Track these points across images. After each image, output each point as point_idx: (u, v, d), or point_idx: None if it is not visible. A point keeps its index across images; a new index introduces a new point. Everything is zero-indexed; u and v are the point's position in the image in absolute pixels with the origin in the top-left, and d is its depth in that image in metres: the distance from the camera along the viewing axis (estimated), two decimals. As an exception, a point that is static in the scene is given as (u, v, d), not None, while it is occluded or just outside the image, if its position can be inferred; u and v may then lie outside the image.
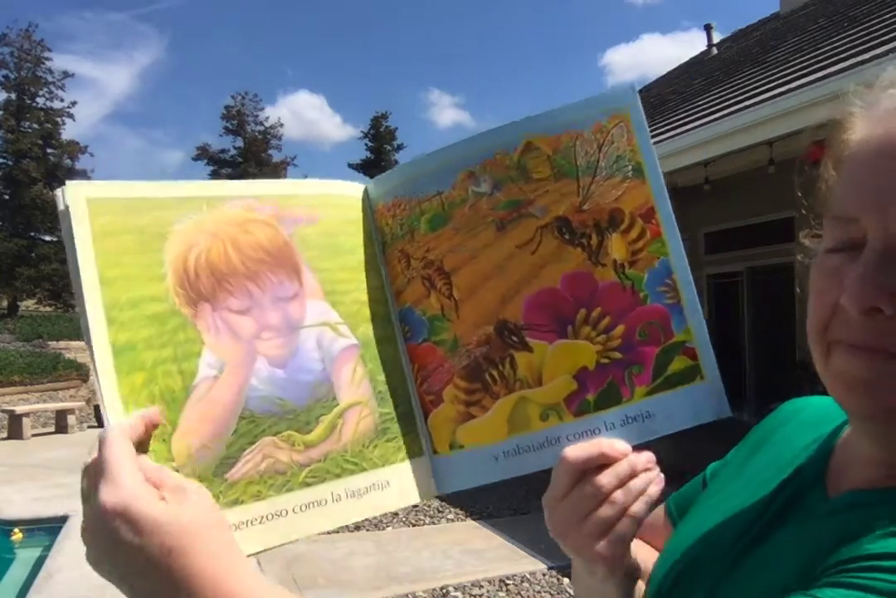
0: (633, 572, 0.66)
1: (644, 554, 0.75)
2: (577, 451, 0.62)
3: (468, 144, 0.60)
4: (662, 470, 0.64)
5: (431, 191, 0.60)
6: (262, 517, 0.59)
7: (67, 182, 0.56)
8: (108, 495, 0.52)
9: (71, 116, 23.11)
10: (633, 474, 0.62)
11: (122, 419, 0.56)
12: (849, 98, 0.57)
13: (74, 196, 0.54)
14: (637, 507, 0.62)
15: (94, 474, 0.54)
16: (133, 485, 0.52)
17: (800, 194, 0.62)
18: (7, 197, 21.68)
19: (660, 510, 0.83)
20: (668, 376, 0.59)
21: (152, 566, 0.51)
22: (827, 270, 0.55)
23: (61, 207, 0.53)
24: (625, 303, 0.58)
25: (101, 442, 0.54)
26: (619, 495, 0.61)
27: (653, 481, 0.63)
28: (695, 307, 0.58)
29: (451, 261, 0.60)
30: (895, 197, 0.50)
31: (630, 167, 0.56)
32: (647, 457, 0.63)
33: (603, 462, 0.62)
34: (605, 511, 0.61)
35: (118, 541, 0.51)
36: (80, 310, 0.56)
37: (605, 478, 0.61)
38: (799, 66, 6.21)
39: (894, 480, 0.55)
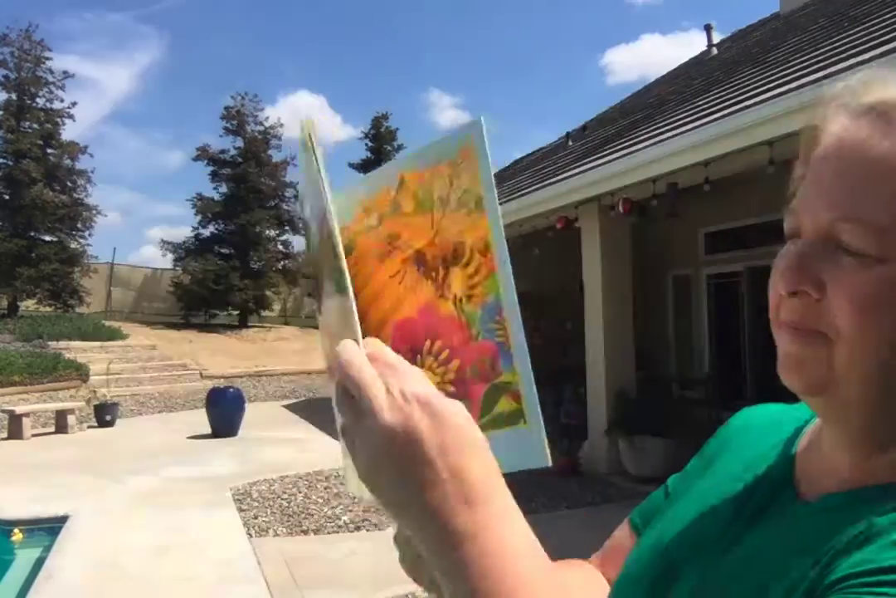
0: None
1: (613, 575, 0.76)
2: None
3: (366, 180, 0.64)
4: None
5: (342, 223, 0.62)
6: None
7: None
8: (410, 386, 0.47)
9: (71, 116, 23.13)
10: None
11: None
12: (822, 104, 0.61)
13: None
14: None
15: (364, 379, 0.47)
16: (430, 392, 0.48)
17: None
18: (7, 197, 21.69)
19: (624, 526, 0.84)
20: (495, 415, 0.58)
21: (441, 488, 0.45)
22: (777, 257, 0.60)
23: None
24: (461, 337, 0.59)
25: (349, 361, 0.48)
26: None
27: None
28: (522, 349, 0.57)
29: (355, 287, 0.62)
30: (831, 195, 0.55)
31: (473, 201, 0.57)
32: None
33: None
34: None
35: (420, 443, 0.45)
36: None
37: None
38: (799, 67, 6.21)
39: (867, 479, 0.57)
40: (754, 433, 0.75)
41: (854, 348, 0.54)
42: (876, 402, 0.56)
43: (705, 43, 13.86)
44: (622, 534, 0.84)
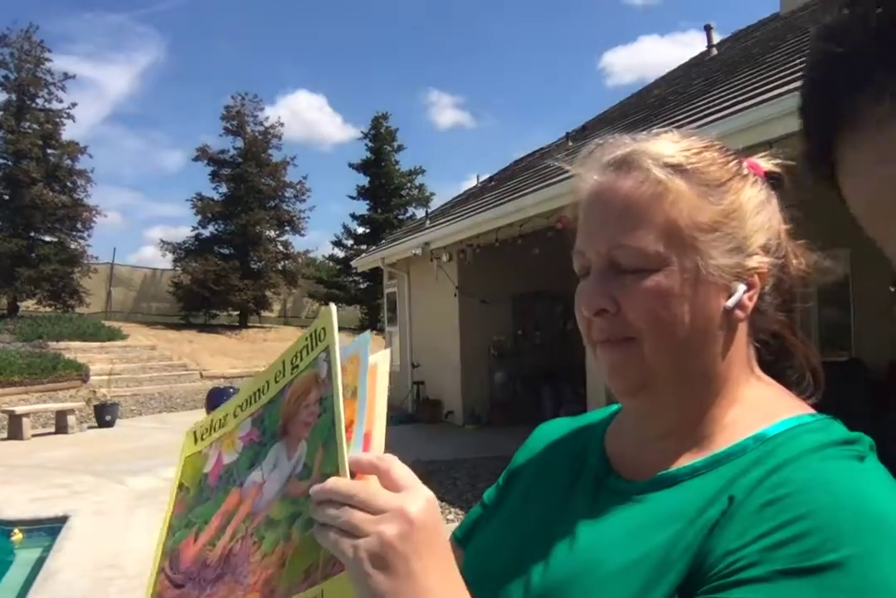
0: None
1: None
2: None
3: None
4: None
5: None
6: None
7: None
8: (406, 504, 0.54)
9: (71, 116, 23.12)
10: None
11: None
12: (578, 163, 0.75)
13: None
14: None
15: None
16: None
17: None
18: (7, 197, 21.69)
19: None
20: None
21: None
22: (578, 292, 0.72)
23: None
24: None
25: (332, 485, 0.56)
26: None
27: None
28: None
29: None
30: (601, 232, 0.69)
31: (350, 391, 0.64)
32: None
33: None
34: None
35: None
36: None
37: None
38: (799, 67, 6.21)
39: (692, 455, 0.68)
40: (557, 442, 0.84)
41: (656, 338, 0.67)
42: (679, 391, 0.69)
43: (703, 44, 13.85)
44: None
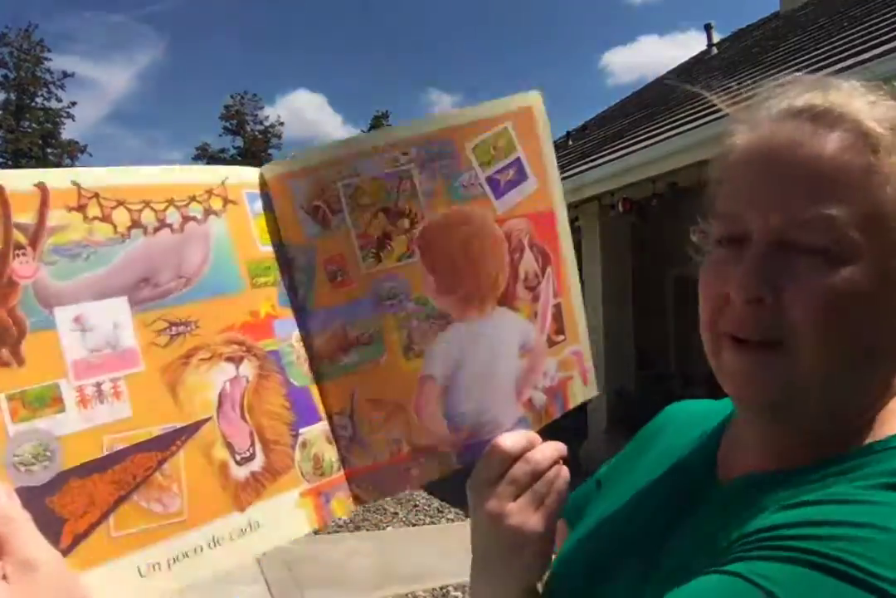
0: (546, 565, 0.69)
1: None
2: (512, 440, 0.67)
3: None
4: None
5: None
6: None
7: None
8: None
9: (71, 116, 23.16)
10: (554, 457, 0.68)
11: None
12: (734, 112, 0.65)
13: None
14: (560, 483, 0.68)
15: None
16: None
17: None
18: (7, 197, 21.66)
19: None
20: None
21: None
22: (713, 263, 0.59)
23: None
24: None
25: None
26: (551, 472, 0.67)
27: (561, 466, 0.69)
28: None
29: None
30: (775, 198, 0.55)
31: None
32: (560, 445, 0.69)
33: (531, 448, 0.67)
34: (539, 487, 0.66)
35: None
36: None
37: (539, 455, 0.67)
38: (799, 66, 6.21)
39: (783, 463, 0.59)
40: (681, 426, 0.78)
41: (817, 347, 0.53)
42: (825, 412, 0.57)
43: (702, 43, 13.85)
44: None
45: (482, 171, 0.69)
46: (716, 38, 13.81)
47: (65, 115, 23.15)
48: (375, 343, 0.66)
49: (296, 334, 0.65)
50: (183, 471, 0.55)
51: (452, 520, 5.93)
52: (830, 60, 5.68)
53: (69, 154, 23.13)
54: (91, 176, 0.55)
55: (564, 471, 0.69)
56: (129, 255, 0.55)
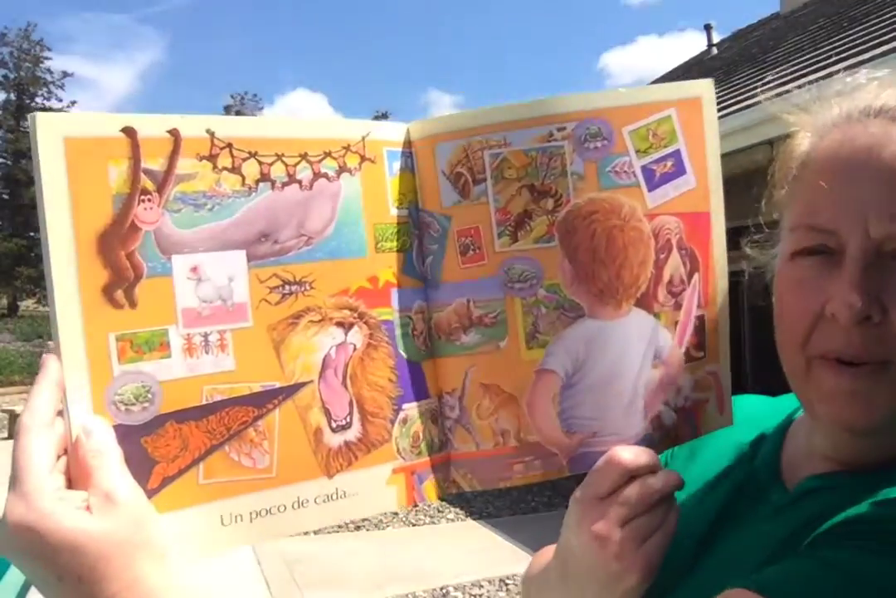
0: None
1: None
2: (633, 454, 0.60)
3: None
4: None
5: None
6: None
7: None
8: (14, 506, 0.46)
9: (71, 115, 23.13)
10: (673, 488, 0.61)
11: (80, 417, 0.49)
12: (794, 108, 0.60)
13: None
14: (672, 522, 0.60)
15: (11, 476, 0.47)
16: (41, 499, 0.45)
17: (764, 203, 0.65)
18: (7, 197, 21.71)
19: None
20: None
21: (66, 589, 0.46)
22: (799, 278, 0.55)
23: None
24: None
25: (17, 439, 0.47)
26: (666, 506, 0.60)
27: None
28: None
29: None
30: (871, 205, 0.50)
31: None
32: (679, 476, 0.62)
33: (651, 471, 0.60)
34: (651, 520, 0.59)
35: (27, 558, 0.47)
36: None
37: (659, 483, 0.59)
38: (799, 66, 6.21)
39: (855, 468, 0.58)
40: (741, 424, 0.74)
41: None
42: None
43: (701, 44, 13.85)
44: None
45: (637, 158, 0.63)
46: (716, 38, 13.81)
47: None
48: (499, 326, 0.62)
49: (417, 305, 0.63)
50: (276, 430, 0.55)
51: (452, 520, 5.93)
52: (830, 60, 5.67)
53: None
54: (227, 125, 0.54)
55: (676, 508, 0.61)
56: (253, 208, 0.55)
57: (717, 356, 0.68)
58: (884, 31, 5.75)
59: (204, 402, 0.53)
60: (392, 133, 0.62)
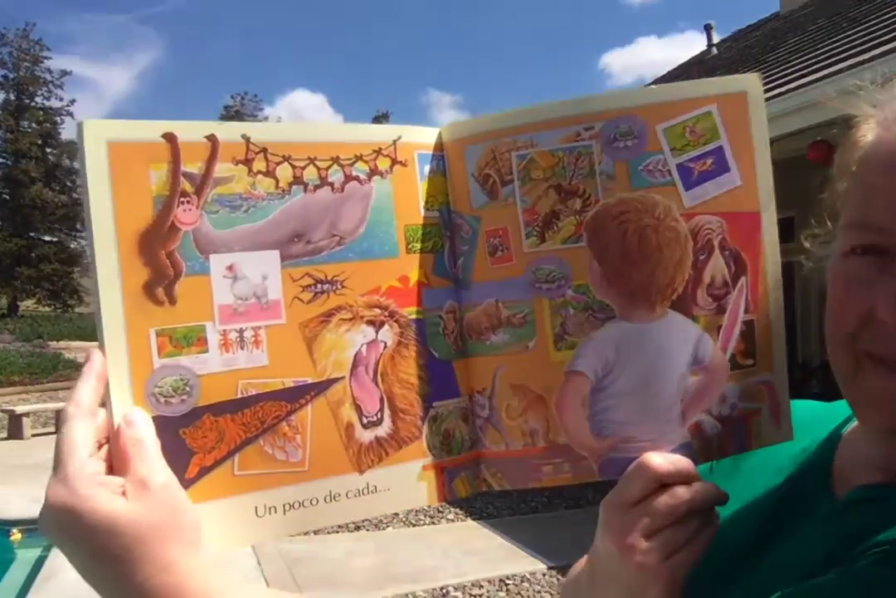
0: None
1: None
2: (663, 460, 0.58)
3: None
4: None
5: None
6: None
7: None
8: (55, 489, 0.48)
9: (70, 114, 23.16)
10: (709, 500, 0.58)
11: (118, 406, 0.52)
12: (857, 98, 0.57)
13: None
14: (704, 538, 0.57)
15: (54, 461, 0.50)
16: (80, 482, 0.48)
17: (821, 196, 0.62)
18: (6, 197, 21.72)
19: None
20: None
21: (102, 570, 0.50)
22: (851, 276, 0.54)
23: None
24: None
25: (60, 427, 0.50)
26: (699, 520, 0.57)
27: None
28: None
29: None
30: None
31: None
32: (721, 491, 0.60)
33: (685, 481, 0.58)
34: (679, 535, 0.56)
35: (66, 538, 0.50)
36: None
37: (690, 494, 0.57)
38: (799, 66, 6.21)
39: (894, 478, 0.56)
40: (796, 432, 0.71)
41: None
42: None
43: (701, 44, 13.85)
44: None
45: (672, 156, 0.62)
46: (716, 38, 13.82)
47: (65, 113, 23.16)
48: (527, 326, 0.62)
49: (448, 304, 0.64)
50: (309, 425, 0.57)
51: (452, 520, 5.93)
52: (830, 61, 5.67)
53: (69, 154, 23.12)
54: (262, 131, 0.57)
55: (714, 524, 0.58)
56: (286, 210, 0.57)
57: (771, 365, 0.65)
58: (883, 31, 5.75)
59: (239, 396, 0.55)
60: (424, 137, 0.63)
